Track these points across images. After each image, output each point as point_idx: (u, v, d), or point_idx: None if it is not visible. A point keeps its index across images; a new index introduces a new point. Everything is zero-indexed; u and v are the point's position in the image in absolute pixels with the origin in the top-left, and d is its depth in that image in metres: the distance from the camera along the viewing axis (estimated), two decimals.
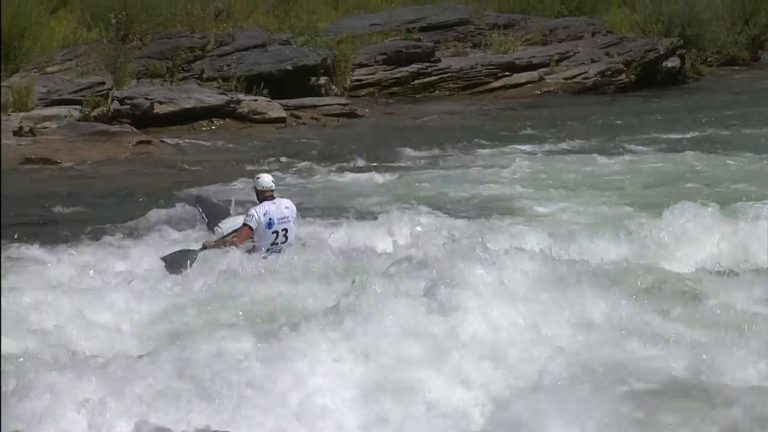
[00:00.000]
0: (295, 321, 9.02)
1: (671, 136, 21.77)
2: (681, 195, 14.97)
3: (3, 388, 7.85)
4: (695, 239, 12.33)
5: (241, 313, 10.00)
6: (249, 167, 18.91)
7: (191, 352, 8.52)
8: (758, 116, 23.99)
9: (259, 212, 12.45)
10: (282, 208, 12.65)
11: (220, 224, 13.51)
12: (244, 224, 12.46)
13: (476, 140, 20.98)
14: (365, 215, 14.73)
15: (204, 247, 12.42)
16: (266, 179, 12.78)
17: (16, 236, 12.80)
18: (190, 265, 11.95)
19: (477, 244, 9.96)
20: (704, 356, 8.54)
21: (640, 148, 20.33)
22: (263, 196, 12.65)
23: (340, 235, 13.15)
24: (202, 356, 8.47)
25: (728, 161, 18.95)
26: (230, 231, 12.78)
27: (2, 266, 11.40)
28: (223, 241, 12.51)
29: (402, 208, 14.54)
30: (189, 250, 12.44)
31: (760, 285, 10.29)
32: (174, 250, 12.62)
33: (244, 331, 9.25)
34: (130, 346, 9.44)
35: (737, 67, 31.98)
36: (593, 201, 15.71)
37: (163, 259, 12.31)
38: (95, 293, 10.52)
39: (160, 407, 7.93)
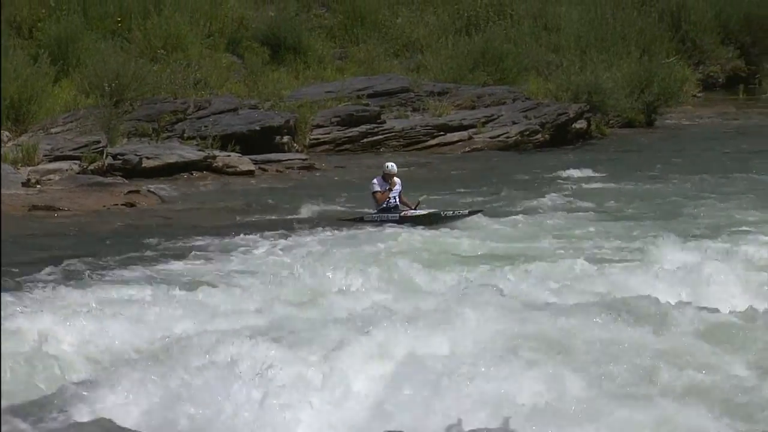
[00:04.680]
0: None
1: (572, 184, 22.07)
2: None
3: None
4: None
5: None
6: (221, 207, 19.17)
7: None
8: (658, 166, 24.37)
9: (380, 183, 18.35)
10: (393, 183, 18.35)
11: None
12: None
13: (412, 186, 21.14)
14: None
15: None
16: (390, 166, 18.50)
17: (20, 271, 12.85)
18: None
19: None
20: None
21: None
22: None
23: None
24: None
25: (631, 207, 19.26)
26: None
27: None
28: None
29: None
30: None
31: None
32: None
33: None
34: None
35: (635, 129, 32.16)
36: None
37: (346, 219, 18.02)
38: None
39: None
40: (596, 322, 9.73)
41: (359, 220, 18.26)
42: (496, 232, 16.89)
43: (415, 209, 18.34)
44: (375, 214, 18.39)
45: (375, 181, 18.70)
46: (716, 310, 10.46)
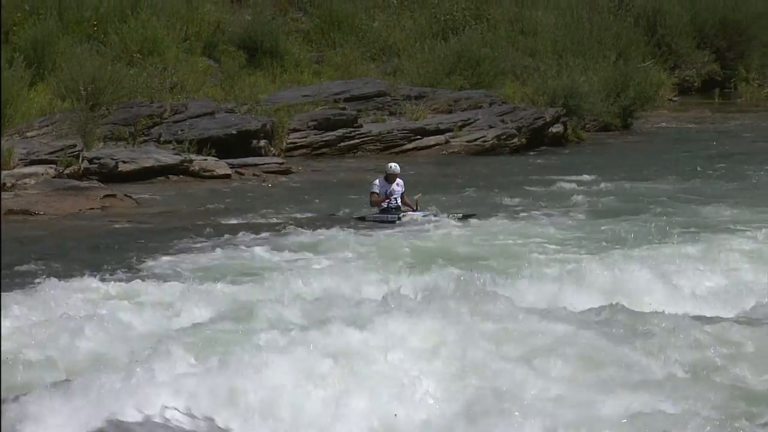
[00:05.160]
0: None
1: (542, 188, 22.15)
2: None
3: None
4: None
5: None
6: (197, 210, 19.16)
7: None
8: (635, 169, 24.47)
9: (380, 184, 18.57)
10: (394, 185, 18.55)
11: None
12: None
13: None
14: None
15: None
16: (392, 166, 18.82)
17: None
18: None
19: None
20: None
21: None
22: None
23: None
24: None
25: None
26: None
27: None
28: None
29: None
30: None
31: None
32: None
33: None
34: None
35: (611, 133, 32.31)
36: None
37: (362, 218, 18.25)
38: None
39: None
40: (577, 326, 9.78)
41: (361, 220, 18.39)
42: (478, 232, 16.97)
43: (415, 210, 18.54)
44: (376, 214, 18.53)
45: (376, 182, 18.89)
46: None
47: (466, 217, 18.20)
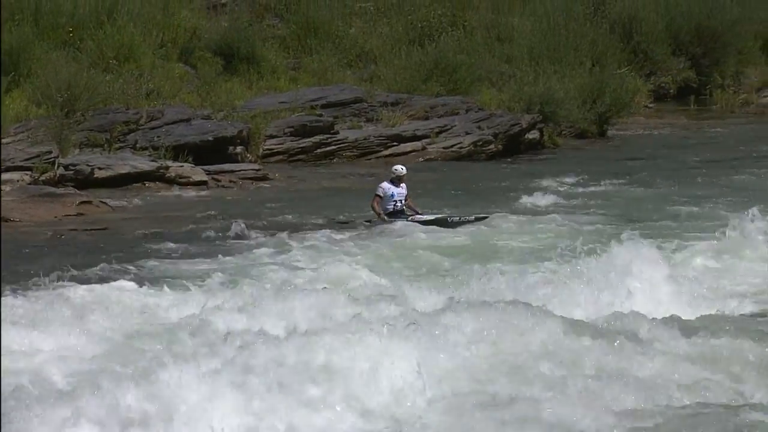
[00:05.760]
0: None
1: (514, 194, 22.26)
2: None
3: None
4: None
5: None
6: (173, 216, 19.17)
7: None
8: (611, 175, 24.62)
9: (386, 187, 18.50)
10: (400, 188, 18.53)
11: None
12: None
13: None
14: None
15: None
16: (399, 168, 18.76)
17: None
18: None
19: None
20: None
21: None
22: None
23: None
24: None
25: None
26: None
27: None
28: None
29: None
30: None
31: None
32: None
33: None
34: None
35: (587, 139, 32.38)
36: None
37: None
38: None
39: None
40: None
41: (367, 222, 18.42)
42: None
43: (421, 213, 18.62)
44: (383, 218, 18.57)
45: (383, 185, 18.85)
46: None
47: (478, 219, 18.25)
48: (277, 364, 8.57)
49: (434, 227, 17.97)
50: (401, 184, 18.71)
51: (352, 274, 13.90)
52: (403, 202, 18.66)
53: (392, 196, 18.63)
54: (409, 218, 18.43)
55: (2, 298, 11.92)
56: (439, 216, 18.53)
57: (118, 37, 30.25)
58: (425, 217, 18.47)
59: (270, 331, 9.59)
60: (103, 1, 31.72)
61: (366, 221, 18.70)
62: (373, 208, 18.59)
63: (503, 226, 18.20)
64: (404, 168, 18.94)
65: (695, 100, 39.07)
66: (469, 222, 18.15)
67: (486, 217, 18.41)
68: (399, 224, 18.15)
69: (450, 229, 17.83)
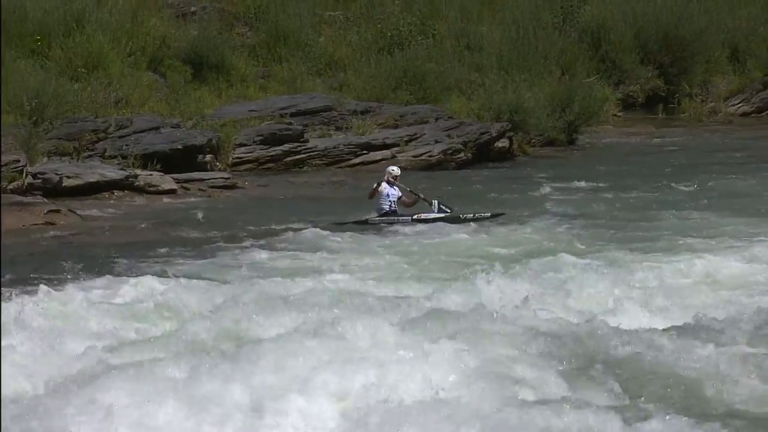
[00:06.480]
0: None
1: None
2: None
3: None
4: None
5: None
6: (142, 225, 19.10)
7: None
8: (577, 182, 24.71)
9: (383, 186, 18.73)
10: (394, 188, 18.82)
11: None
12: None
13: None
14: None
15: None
16: (394, 169, 19.29)
17: None
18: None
19: None
20: None
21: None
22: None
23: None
24: None
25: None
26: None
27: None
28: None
29: None
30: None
31: None
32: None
33: None
34: None
35: (556, 148, 32.51)
36: None
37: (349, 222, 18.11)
38: None
39: None
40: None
41: (363, 223, 18.42)
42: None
43: (421, 214, 18.64)
44: (377, 217, 18.55)
45: (383, 185, 19.18)
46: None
47: (494, 216, 18.28)
48: (252, 375, 8.59)
49: (432, 227, 17.92)
50: (395, 186, 18.76)
51: (349, 277, 13.92)
52: (395, 202, 18.73)
53: (387, 196, 18.90)
54: (414, 216, 18.42)
55: None
56: (449, 213, 18.45)
57: (87, 46, 30.16)
58: (432, 215, 18.41)
59: (245, 335, 9.67)
60: (71, 9, 31.60)
61: (361, 221, 18.72)
62: (371, 195, 18.92)
63: (478, 235, 18.19)
64: (397, 168, 19.40)
65: (663, 109, 39.29)
66: (485, 218, 18.17)
67: (502, 214, 18.46)
68: (396, 225, 18.22)
69: (437, 231, 17.73)
